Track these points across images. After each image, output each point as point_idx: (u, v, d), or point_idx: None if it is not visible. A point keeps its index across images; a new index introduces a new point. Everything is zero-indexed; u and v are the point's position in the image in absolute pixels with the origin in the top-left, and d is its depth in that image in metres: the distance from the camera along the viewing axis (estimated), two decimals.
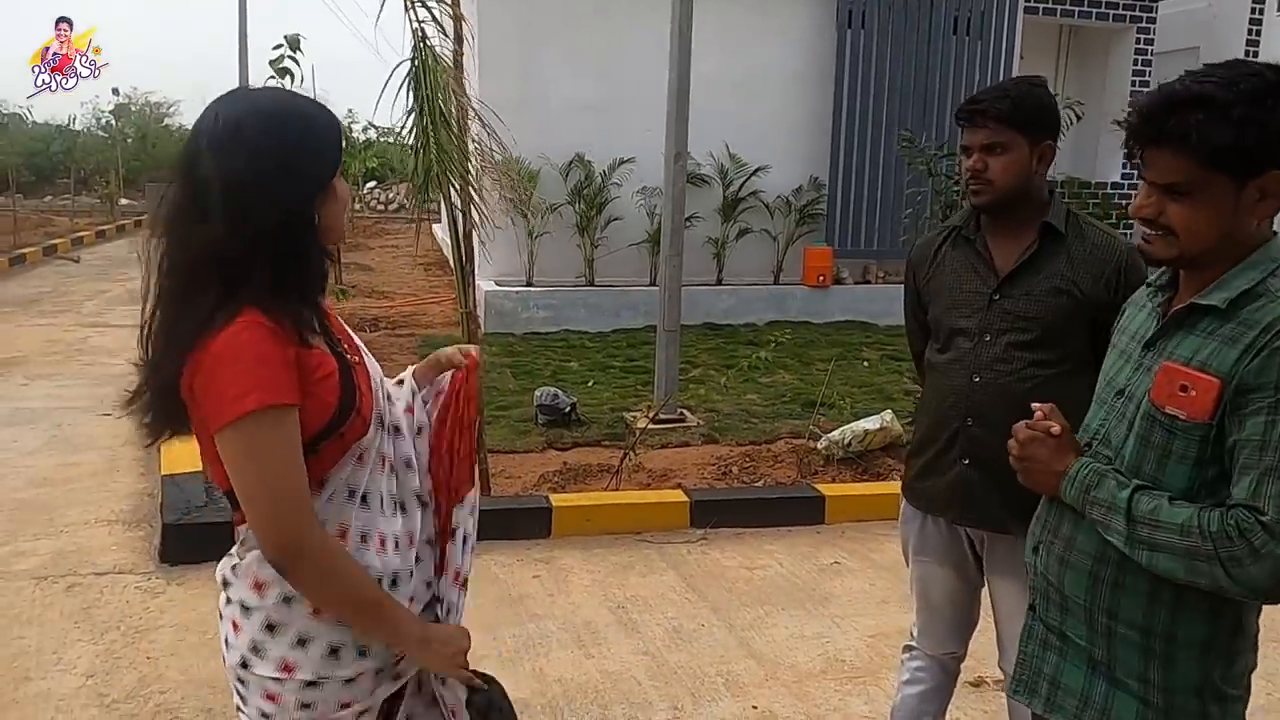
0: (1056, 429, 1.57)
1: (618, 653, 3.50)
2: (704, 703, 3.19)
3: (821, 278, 10.07)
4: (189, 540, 4.16)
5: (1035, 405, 1.62)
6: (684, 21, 5.79)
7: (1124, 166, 12.06)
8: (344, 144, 1.44)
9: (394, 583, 1.55)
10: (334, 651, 1.49)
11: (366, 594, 1.48)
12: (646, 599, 3.94)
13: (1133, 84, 11.83)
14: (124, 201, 22.00)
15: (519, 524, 4.46)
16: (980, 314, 2.19)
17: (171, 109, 34.60)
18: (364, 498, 1.53)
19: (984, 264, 2.21)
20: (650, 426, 5.59)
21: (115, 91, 26.27)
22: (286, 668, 1.48)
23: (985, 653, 2.45)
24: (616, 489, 4.85)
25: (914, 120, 9.92)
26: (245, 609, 1.49)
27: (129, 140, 25.50)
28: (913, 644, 2.48)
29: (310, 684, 1.49)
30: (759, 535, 4.62)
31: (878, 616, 3.82)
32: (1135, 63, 11.92)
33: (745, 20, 9.75)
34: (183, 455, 5.02)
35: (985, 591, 2.36)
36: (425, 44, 3.73)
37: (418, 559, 1.62)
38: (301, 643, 1.48)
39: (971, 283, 2.22)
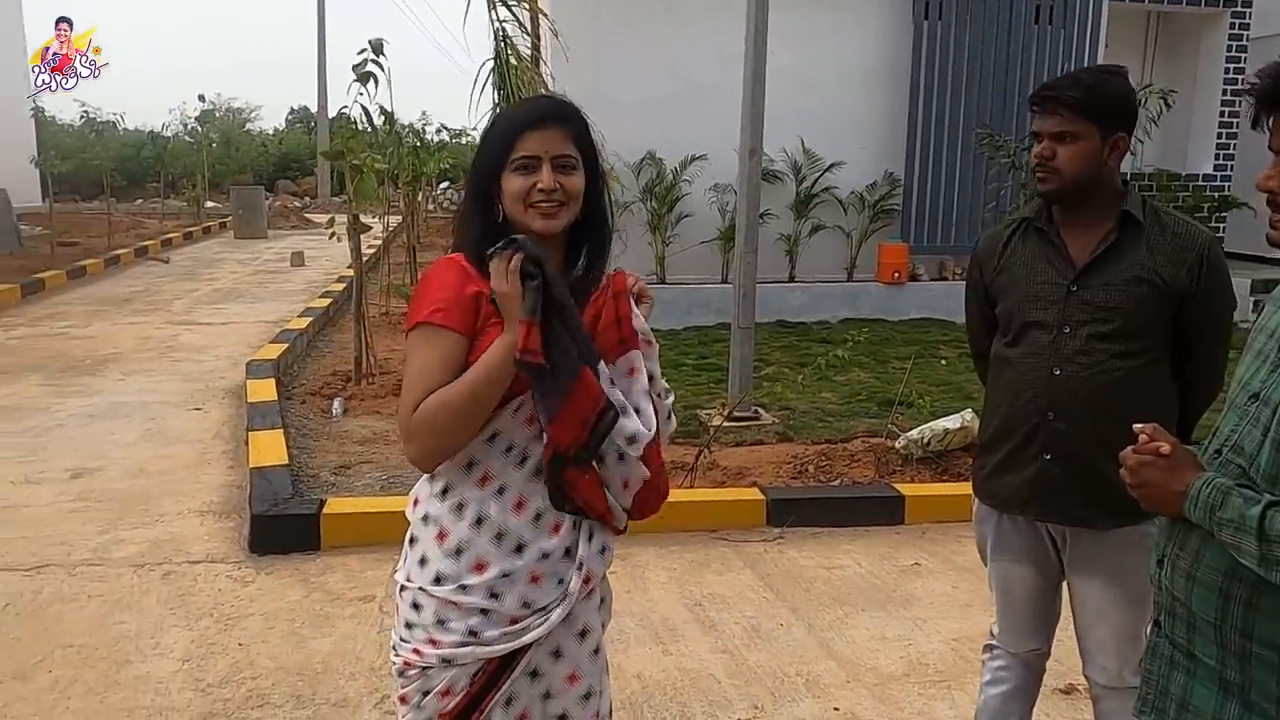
0: (1166, 448, 1.48)
1: (696, 650, 3.48)
2: (784, 703, 3.16)
3: (897, 274, 9.90)
4: (277, 531, 4.29)
5: (1138, 427, 1.53)
6: (759, 15, 5.73)
7: (1216, 158, 11.58)
8: (511, 143, 1.67)
9: (518, 549, 1.64)
10: (438, 580, 1.64)
11: (463, 399, 1.57)
12: (724, 597, 3.92)
13: (1226, 72, 11.31)
14: (209, 204, 22.78)
15: None
16: (1058, 306, 2.13)
17: (253, 114, 35.71)
18: (524, 459, 1.65)
19: (1058, 255, 2.15)
20: (725, 424, 5.56)
21: (201, 98, 27.14)
22: (409, 579, 1.69)
23: (1076, 658, 2.37)
24: (691, 486, 4.84)
25: (994, 113, 9.69)
26: (410, 522, 1.73)
27: (214, 145, 26.37)
28: (993, 643, 2.42)
29: (415, 606, 1.65)
30: (836, 535, 4.56)
31: (961, 619, 3.74)
32: (1229, 49, 11.39)
33: (820, 13, 9.63)
34: (271, 449, 5.18)
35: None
36: (507, 42, 3.77)
37: (565, 550, 1.67)
38: (422, 562, 1.67)
39: (1046, 274, 2.16)
